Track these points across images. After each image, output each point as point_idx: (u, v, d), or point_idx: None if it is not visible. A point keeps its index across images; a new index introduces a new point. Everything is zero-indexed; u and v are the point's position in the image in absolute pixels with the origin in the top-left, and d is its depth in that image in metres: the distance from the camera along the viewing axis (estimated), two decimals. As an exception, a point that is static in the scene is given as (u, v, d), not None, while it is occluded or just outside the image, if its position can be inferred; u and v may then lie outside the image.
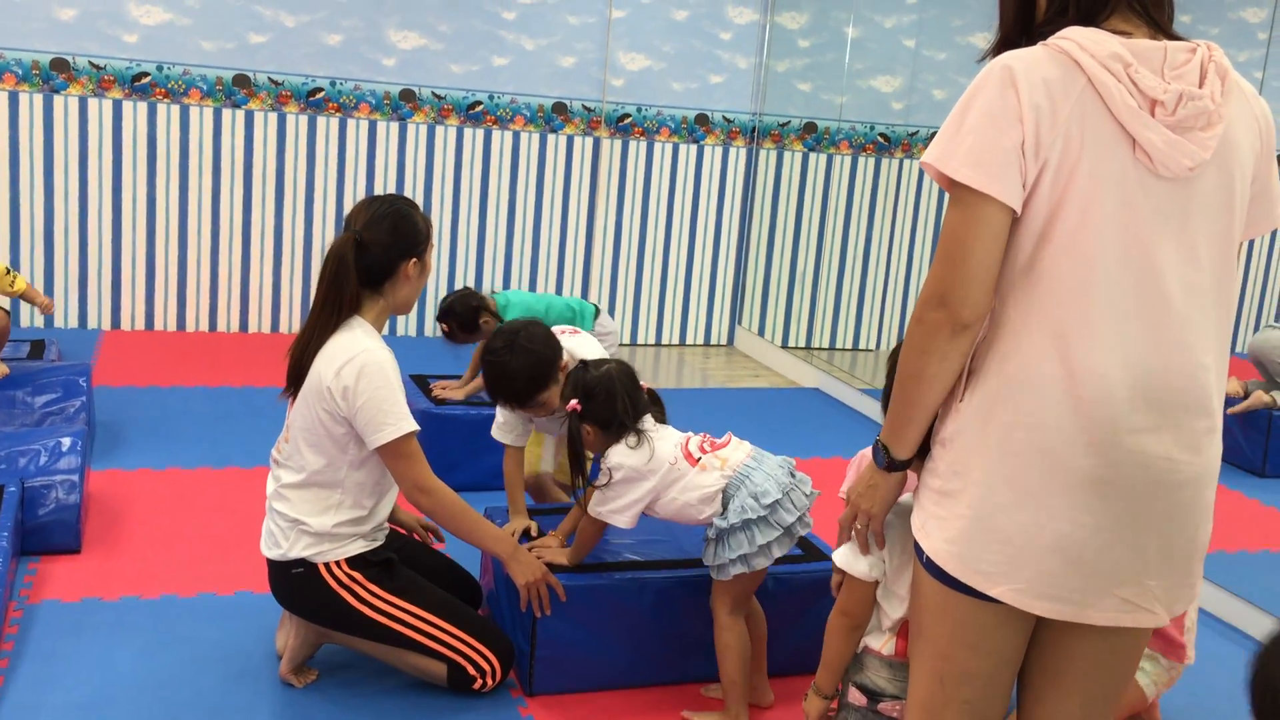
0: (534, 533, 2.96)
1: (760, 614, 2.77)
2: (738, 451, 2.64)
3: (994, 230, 1.58)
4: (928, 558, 1.71)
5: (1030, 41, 1.66)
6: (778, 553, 2.57)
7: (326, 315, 2.59)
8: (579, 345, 3.10)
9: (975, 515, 1.64)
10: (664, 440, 2.65)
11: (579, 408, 2.60)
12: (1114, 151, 1.57)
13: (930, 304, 1.62)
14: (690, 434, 2.70)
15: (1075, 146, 1.56)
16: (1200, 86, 1.58)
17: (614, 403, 2.61)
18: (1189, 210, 1.60)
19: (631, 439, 2.62)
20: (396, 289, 2.65)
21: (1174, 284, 1.59)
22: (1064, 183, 1.57)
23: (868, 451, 1.94)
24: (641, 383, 2.70)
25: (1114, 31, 1.60)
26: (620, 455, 2.60)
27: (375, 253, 2.59)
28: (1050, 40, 1.60)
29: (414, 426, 2.58)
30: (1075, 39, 1.58)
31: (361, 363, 2.53)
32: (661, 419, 2.73)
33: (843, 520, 1.92)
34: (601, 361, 2.70)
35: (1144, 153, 1.57)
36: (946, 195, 1.63)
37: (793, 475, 2.63)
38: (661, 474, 2.60)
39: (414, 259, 2.64)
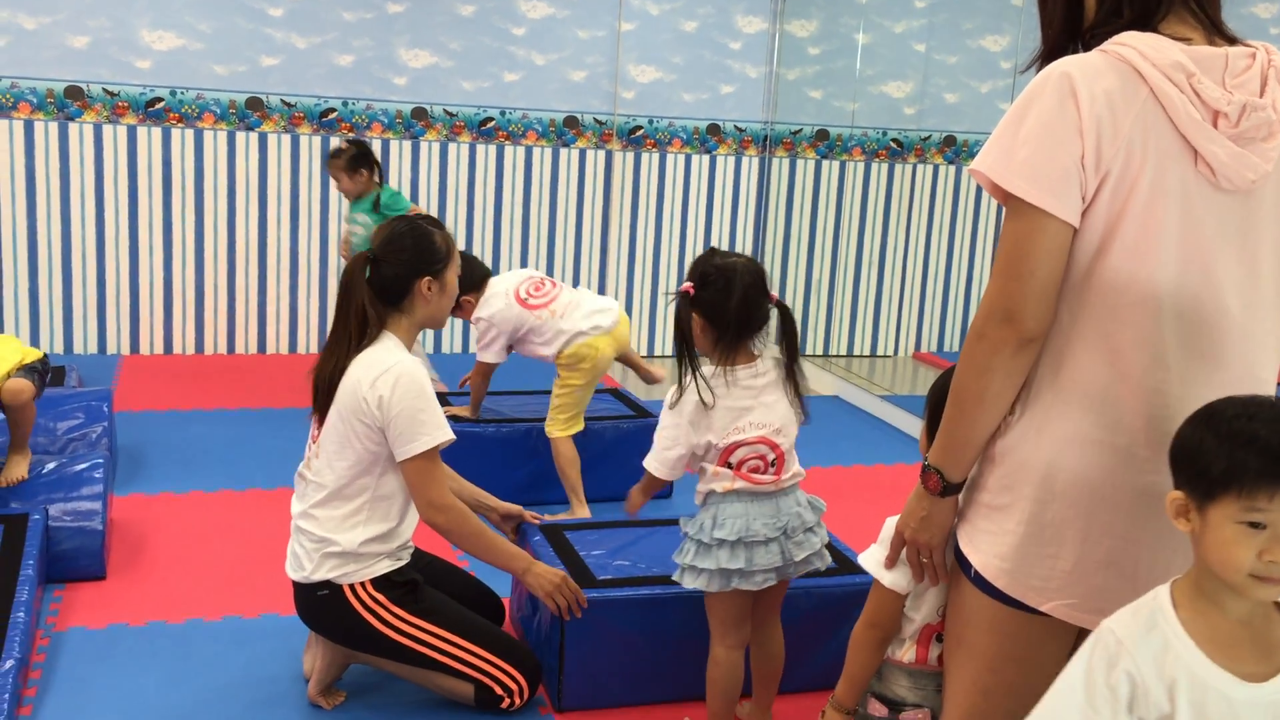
0: (528, 518, 3.09)
1: (774, 651, 2.60)
2: (767, 478, 2.42)
3: (1058, 243, 1.53)
4: (976, 572, 1.67)
5: (1079, 47, 1.62)
6: (696, 584, 2.42)
7: (341, 331, 2.63)
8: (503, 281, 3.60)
9: (1027, 531, 1.61)
10: (755, 406, 2.39)
11: (691, 290, 2.40)
12: (1176, 164, 1.53)
13: (993, 319, 1.56)
14: (769, 431, 2.39)
15: (1137, 159, 1.52)
16: (1261, 95, 1.54)
17: (728, 297, 2.36)
18: (1250, 222, 1.56)
19: (715, 367, 2.38)
20: (415, 307, 2.68)
21: (1233, 298, 1.56)
22: (1124, 195, 1.53)
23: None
24: (771, 293, 2.42)
25: (1173, 37, 1.55)
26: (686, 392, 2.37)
27: (389, 271, 2.63)
28: (1108, 47, 1.55)
29: (449, 436, 2.60)
30: (1136, 46, 1.53)
31: (397, 373, 2.56)
32: (793, 355, 2.44)
33: (909, 560, 1.84)
34: (731, 254, 2.44)
35: (1206, 165, 1.53)
36: (989, 202, 1.59)
37: (787, 534, 2.40)
38: (703, 438, 2.39)
39: (428, 278, 2.66)
